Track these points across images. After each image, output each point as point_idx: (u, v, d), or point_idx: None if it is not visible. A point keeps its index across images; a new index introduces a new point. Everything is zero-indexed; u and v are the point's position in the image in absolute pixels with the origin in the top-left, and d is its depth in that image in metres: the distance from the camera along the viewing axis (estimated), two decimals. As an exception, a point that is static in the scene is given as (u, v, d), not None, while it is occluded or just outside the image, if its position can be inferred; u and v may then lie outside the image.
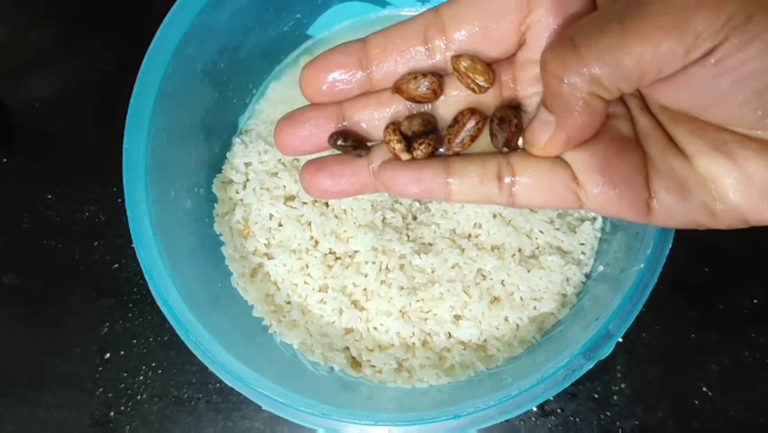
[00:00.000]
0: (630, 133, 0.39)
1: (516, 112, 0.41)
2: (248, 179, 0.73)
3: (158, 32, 0.63)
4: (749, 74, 0.31)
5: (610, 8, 0.33)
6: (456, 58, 0.40)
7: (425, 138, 0.41)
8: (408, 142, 0.42)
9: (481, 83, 0.40)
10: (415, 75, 0.41)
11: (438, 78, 0.41)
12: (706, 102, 0.33)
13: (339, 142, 0.42)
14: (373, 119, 0.43)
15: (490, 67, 0.40)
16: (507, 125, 0.40)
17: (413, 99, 0.42)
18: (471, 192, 0.41)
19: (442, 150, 0.43)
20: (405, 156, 0.41)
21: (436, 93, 0.41)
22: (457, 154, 0.42)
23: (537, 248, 0.69)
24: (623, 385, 0.73)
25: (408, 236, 0.70)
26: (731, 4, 0.29)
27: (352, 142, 0.42)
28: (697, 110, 0.34)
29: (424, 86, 0.41)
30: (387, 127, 0.42)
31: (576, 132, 0.36)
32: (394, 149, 0.41)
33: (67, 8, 0.91)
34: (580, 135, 0.37)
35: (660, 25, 0.30)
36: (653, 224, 0.39)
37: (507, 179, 0.40)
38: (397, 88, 0.41)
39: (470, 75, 0.40)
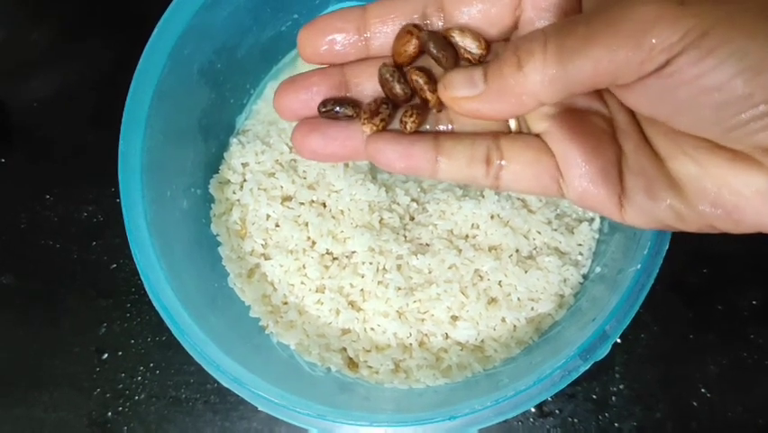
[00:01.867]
0: (607, 128, 0.39)
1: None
2: (245, 180, 0.73)
3: (154, 32, 0.63)
4: (705, 89, 0.31)
5: (587, 7, 0.34)
6: (447, 29, 0.40)
7: (412, 110, 0.41)
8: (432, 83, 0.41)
9: (473, 50, 0.40)
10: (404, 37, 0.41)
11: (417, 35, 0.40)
12: (667, 111, 0.34)
13: (325, 108, 0.42)
14: (376, 86, 0.43)
15: (483, 37, 0.40)
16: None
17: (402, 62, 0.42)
18: (458, 172, 0.41)
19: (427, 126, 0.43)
20: (430, 96, 0.41)
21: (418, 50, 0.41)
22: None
23: (535, 249, 0.69)
24: (621, 386, 0.73)
25: (405, 237, 0.70)
26: (689, 18, 0.29)
27: (338, 108, 0.42)
28: (661, 118, 0.34)
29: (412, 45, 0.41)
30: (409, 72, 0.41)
31: (492, 113, 0.37)
32: (421, 88, 0.41)
33: (67, 8, 0.91)
34: (492, 116, 0.37)
35: (619, 34, 0.31)
36: (627, 222, 0.39)
37: (495, 163, 0.41)
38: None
39: (462, 44, 0.40)
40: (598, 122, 0.39)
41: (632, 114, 0.38)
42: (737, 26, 0.29)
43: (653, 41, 0.30)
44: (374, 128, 0.41)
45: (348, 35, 0.42)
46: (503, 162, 0.41)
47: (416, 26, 0.41)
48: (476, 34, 0.40)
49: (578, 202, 0.40)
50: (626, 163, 0.38)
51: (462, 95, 0.36)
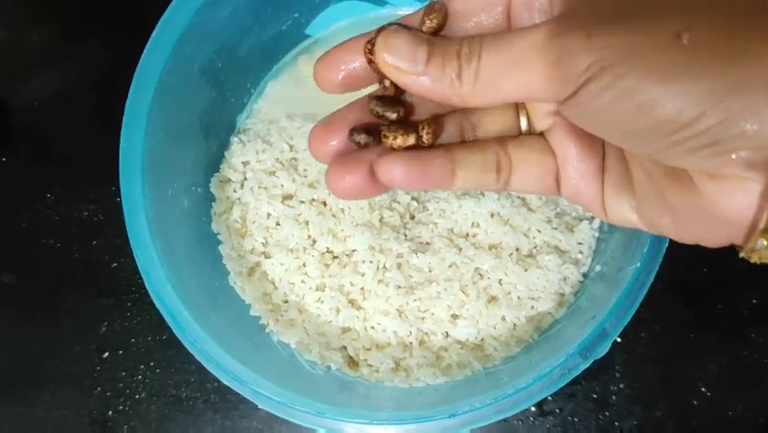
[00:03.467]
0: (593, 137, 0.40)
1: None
2: (246, 178, 0.73)
3: (155, 31, 0.63)
4: (611, 119, 0.32)
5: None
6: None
7: (425, 124, 0.40)
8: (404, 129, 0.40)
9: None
10: None
11: None
12: (594, 130, 0.35)
13: (355, 137, 0.41)
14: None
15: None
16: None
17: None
18: (472, 182, 0.42)
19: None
20: (410, 141, 0.40)
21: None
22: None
23: (535, 247, 0.69)
24: (621, 385, 0.73)
25: (406, 235, 0.70)
26: (591, 52, 0.31)
27: (365, 138, 0.41)
28: (595, 133, 0.36)
29: None
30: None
31: (422, 94, 0.38)
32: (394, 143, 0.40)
33: (67, 8, 0.91)
34: (420, 95, 0.38)
35: (534, 62, 0.33)
36: (609, 221, 0.41)
37: (504, 171, 0.42)
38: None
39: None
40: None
41: None
42: (636, 62, 0.30)
43: (561, 72, 0.32)
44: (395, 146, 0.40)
45: (360, 63, 0.41)
46: (512, 170, 0.42)
47: None
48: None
49: (570, 199, 0.42)
50: (606, 163, 0.40)
51: (401, 66, 0.37)
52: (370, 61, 0.40)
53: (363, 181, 0.40)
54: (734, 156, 0.30)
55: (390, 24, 0.39)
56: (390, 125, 0.40)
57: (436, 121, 0.41)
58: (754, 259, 0.33)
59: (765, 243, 0.32)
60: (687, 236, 0.36)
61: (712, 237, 0.35)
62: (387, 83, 0.40)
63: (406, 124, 0.41)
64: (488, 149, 0.42)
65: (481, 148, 0.42)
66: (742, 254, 0.34)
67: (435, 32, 0.39)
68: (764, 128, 0.29)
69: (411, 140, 0.39)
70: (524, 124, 0.43)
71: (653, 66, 0.30)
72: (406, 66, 0.36)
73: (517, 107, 0.43)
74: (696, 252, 0.73)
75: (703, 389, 0.72)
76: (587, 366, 0.56)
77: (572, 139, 0.40)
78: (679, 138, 0.31)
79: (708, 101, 0.29)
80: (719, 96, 0.29)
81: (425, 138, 0.40)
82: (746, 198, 0.32)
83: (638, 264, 0.56)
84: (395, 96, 0.42)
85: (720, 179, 0.32)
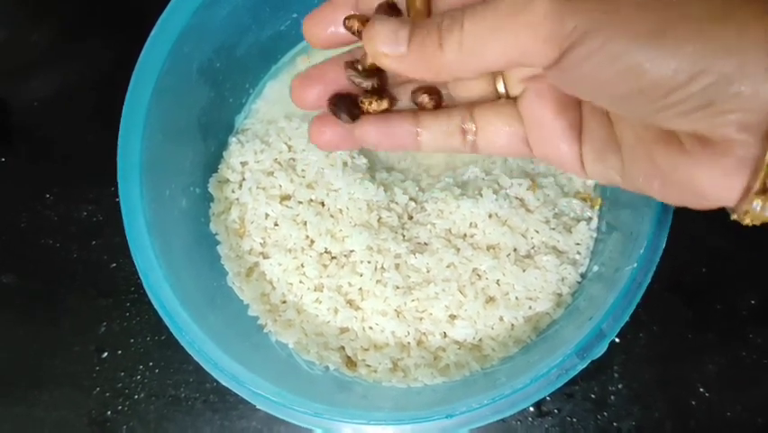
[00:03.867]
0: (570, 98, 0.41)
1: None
2: (244, 179, 0.73)
3: (153, 31, 0.63)
4: (599, 83, 0.32)
5: None
6: None
7: (370, 95, 0.44)
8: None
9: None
10: None
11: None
12: (584, 95, 0.36)
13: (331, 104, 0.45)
14: None
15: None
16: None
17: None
18: (438, 144, 0.45)
19: None
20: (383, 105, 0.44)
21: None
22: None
23: (533, 248, 0.69)
24: (620, 386, 0.73)
25: (404, 236, 0.70)
26: (573, 15, 0.31)
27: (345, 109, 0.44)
28: (583, 98, 0.37)
29: None
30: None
31: (411, 75, 0.39)
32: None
33: (67, 8, 0.92)
34: (411, 76, 0.39)
35: (519, 26, 0.33)
36: (589, 178, 0.43)
37: (470, 134, 0.44)
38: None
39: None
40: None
41: None
42: (624, 24, 0.30)
43: (545, 35, 0.32)
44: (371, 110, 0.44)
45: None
46: (477, 131, 0.44)
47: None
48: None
49: (543, 160, 0.43)
50: (585, 127, 0.40)
51: (385, 51, 0.38)
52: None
53: (340, 136, 0.46)
54: (727, 118, 0.30)
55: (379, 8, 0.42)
56: (366, 93, 0.44)
57: (378, 92, 0.45)
58: (747, 221, 0.33)
59: (760, 204, 0.32)
60: (674, 199, 0.36)
61: (695, 201, 0.35)
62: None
63: (381, 90, 0.45)
64: (454, 113, 0.44)
65: (448, 112, 0.45)
66: (734, 217, 0.34)
67: (428, 12, 0.41)
68: (759, 90, 0.29)
69: (384, 104, 0.44)
70: (501, 88, 0.44)
71: (641, 27, 0.30)
72: (389, 49, 0.37)
73: (493, 75, 0.44)
74: (695, 252, 0.74)
75: (702, 389, 0.72)
76: (584, 367, 0.56)
77: (542, 103, 0.41)
78: (670, 101, 0.31)
79: (701, 63, 0.29)
80: (712, 57, 0.29)
81: (373, 107, 0.44)
82: (738, 160, 0.32)
83: (635, 265, 0.56)
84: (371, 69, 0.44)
85: (711, 141, 0.32)
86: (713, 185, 0.33)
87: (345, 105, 0.44)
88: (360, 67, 0.44)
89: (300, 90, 0.46)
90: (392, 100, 0.45)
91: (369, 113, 0.45)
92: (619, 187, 0.40)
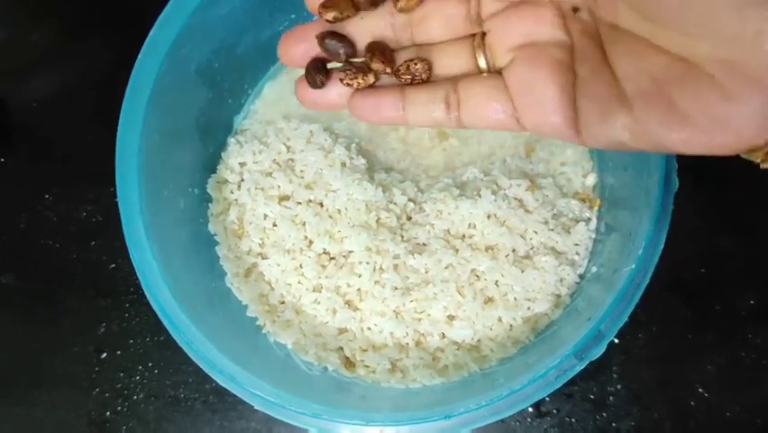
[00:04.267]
0: (565, 57, 0.40)
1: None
2: (243, 179, 0.73)
3: (151, 31, 0.63)
4: None
5: None
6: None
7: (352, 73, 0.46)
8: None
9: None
10: None
11: None
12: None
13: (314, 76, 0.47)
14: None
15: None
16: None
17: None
18: (423, 117, 0.45)
19: None
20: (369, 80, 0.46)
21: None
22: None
23: (531, 249, 0.69)
24: (619, 386, 0.73)
25: (402, 237, 0.70)
26: None
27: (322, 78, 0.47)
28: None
29: None
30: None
31: None
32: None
33: (67, 8, 0.92)
34: None
35: None
36: (585, 145, 0.41)
37: (453, 107, 0.44)
38: None
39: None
40: (556, 53, 0.41)
41: (596, 37, 0.39)
42: None
43: None
44: (356, 86, 0.46)
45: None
46: (460, 105, 0.44)
47: None
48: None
49: (534, 131, 0.43)
50: (581, 89, 0.39)
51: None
52: None
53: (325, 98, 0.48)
54: None
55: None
56: (347, 69, 0.46)
57: (386, 55, 0.46)
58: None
59: None
60: (699, 145, 0.35)
61: (725, 142, 0.34)
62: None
63: (358, 62, 0.46)
64: (437, 86, 0.45)
65: (432, 86, 0.45)
66: (757, 159, 0.34)
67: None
68: None
69: (371, 79, 0.46)
70: (482, 63, 0.44)
71: None
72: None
73: (474, 48, 0.45)
74: (694, 252, 0.74)
75: (701, 390, 0.72)
76: (582, 367, 0.56)
77: (531, 71, 0.41)
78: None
79: None
80: None
81: (355, 83, 0.46)
82: None
83: (633, 266, 0.56)
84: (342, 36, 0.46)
85: (745, 74, 0.32)
86: (752, 122, 0.33)
87: (315, 71, 0.46)
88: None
89: (286, 47, 0.48)
90: (377, 76, 0.46)
91: (357, 89, 0.47)
92: (626, 147, 0.39)
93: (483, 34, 0.44)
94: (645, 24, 0.35)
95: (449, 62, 0.45)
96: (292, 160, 0.74)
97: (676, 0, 0.32)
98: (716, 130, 0.34)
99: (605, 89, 0.38)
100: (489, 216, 0.69)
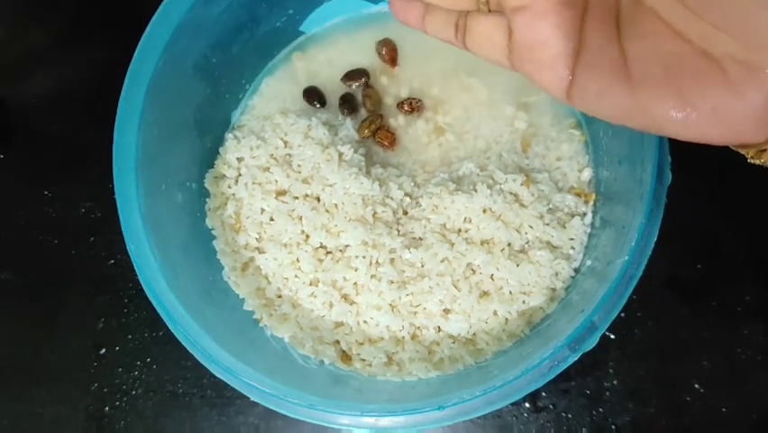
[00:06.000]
0: (573, 22, 0.39)
1: None
2: (240, 174, 0.74)
3: (148, 27, 0.63)
4: None
5: None
6: None
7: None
8: None
9: None
10: None
11: None
12: None
13: None
14: None
15: None
16: None
17: None
18: (438, 31, 0.49)
19: None
20: None
21: None
22: None
23: (527, 243, 0.69)
24: (615, 382, 0.73)
25: (399, 231, 0.71)
26: None
27: None
28: None
29: None
30: None
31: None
32: None
33: (66, 8, 0.92)
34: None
35: None
36: (573, 106, 0.41)
37: (461, 31, 0.47)
38: None
39: None
40: (566, 15, 0.39)
41: (613, 8, 0.39)
42: None
43: None
44: None
45: None
46: (465, 31, 0.47)
47: None
48: None
49: (525, 77, 0.43)
50: (583, 59, 0.39)
51: None
52: None
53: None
54: None
55: None
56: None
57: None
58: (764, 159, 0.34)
59: None
60: (698, 133, 0.35)
61: (722, 135, 0.34)
62: None
63: None
64: (453, 12, 0.48)
65: (449, 10, 0.48)
66: (748, 153, 0.35)
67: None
68: None
69: None
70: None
71: None
72: None
73: None
74: (690, 248, 0.74)
75: (696, 385, 0.72)
76: (576, 359, 0.56)
77: (540, 27, 0.40)
78: None
79: None
80: None
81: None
82: None
83: (626, 258, 0.56)
84: None
85: (756, 69, 0.32)
86: (755, 119, 0.33)
87: None
88: None
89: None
90: None
91: None
92: (617, 121, 0.38)
93: None
94: (676, 7, 0.35)
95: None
96: (289, 155, 0.74)
97: None
98: (716, 122, 0.34)
99: (608, 66, 0.38)
100: (484, 211, 0.69)
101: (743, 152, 0.36)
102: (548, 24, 0.39)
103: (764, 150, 0.34)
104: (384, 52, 0.76)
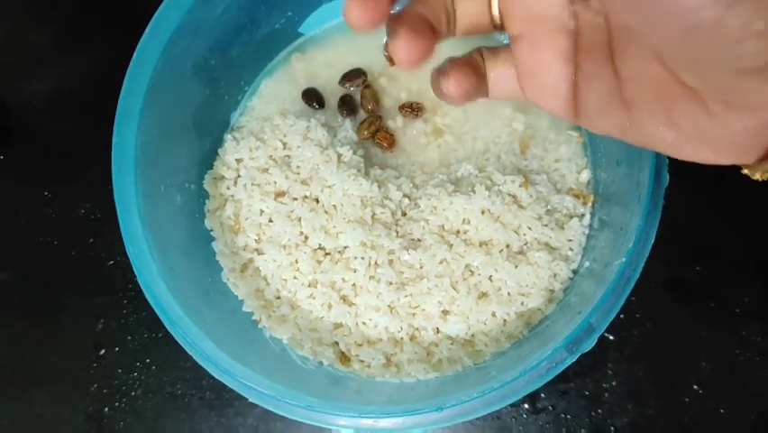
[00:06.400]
0: (569, 46, 0.39)
1: None
2: (239, 175, 0.74)
3: (147, 28, 0.63)
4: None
5: None
6: None
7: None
8: None
9: None
10: None
11: None
12: (644, 23, 0.34)
13: None
14: None
15: None
16: None
17: None
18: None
19: None
20: None
21: None
22: None
23: (525, 244, 0.70)
24: (614, 383, 0.73)
25: (397, 232, 0.71)
26: None
27: None
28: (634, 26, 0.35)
29: None
30: None
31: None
32: None
33: (66, 8, 0.92)
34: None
35: None
36: (580, 125, 0.41)
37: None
38: None
39: None
40: (562, 40, 0.39)
41: (605, 32, 0.39)
42: None
43: None
44: None
45: None
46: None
47: None
48: None
49: (537, 106, 0.42)
50: (582, 81, 0.39)
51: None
52: None
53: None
54: None
55: None
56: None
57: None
58: (757, 176, 0.35)
59: None
60: (689, 154, 0.36)
61: (713, 157, 0.35)
62: None
63: None
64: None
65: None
66: (745, 171, 0.35)
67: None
68: None
69: None
70: (495, 11, 0.42)
71: None
72: None
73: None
74: (689, 250, 0.74)
75: (695, 386, 0.73)
76: (573, 360, 0.56)
77: (539, 53, 0.40)
78: (737, 51, 0.29)
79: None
80: None
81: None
82: (758, 121, 0.32)
83: (624, 259, 0.56)
84: None
85: (742, 105, 0.32)
86: (734, 147, 0.34)
87: None
88: None
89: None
90: None
91: None
92: (621, 138, 0.39)
93: None
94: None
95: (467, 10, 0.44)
96: (288, 156, 0.74)
97: (676, 36, 0.32)
98: (702, 144, 0.35)
99: (605, 87, 0.38)
100: (483, 212, 0.69)
101: (746, 172, 0.36)
102: (546, 49, 0.40)
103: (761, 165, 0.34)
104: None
